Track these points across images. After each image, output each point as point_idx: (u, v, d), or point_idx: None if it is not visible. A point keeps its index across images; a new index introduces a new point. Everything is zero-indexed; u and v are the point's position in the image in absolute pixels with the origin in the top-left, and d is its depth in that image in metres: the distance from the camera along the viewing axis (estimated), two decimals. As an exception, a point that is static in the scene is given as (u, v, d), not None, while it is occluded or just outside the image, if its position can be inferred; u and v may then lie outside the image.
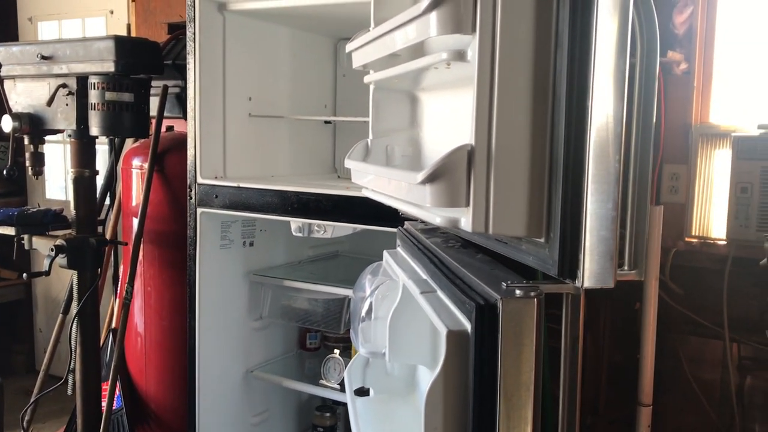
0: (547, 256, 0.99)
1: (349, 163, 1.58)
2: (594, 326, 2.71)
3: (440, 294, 1.22)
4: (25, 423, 2.89)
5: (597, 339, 2.73)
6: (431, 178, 1.03)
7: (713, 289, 2.46)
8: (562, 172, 0.96)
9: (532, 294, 0.98)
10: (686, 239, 2.52)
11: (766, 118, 2.36)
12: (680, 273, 2.53)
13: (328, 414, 2.69)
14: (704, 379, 2.57)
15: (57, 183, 4.55)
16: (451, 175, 1.01)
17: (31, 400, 2.97)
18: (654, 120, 1.05)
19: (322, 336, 2.78)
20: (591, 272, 0.95)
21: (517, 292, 0.99)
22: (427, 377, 1.34)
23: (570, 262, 0.96)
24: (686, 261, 2.53)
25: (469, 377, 1.02)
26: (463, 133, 1.05)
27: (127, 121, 2.46)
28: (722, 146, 2.44)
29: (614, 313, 2.69)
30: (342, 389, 2.38)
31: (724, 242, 2.43)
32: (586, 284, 0.95)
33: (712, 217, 2.49)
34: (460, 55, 1.04)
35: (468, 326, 1.03)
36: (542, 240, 1.02)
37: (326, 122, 2.91)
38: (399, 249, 1.74)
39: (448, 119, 1.45)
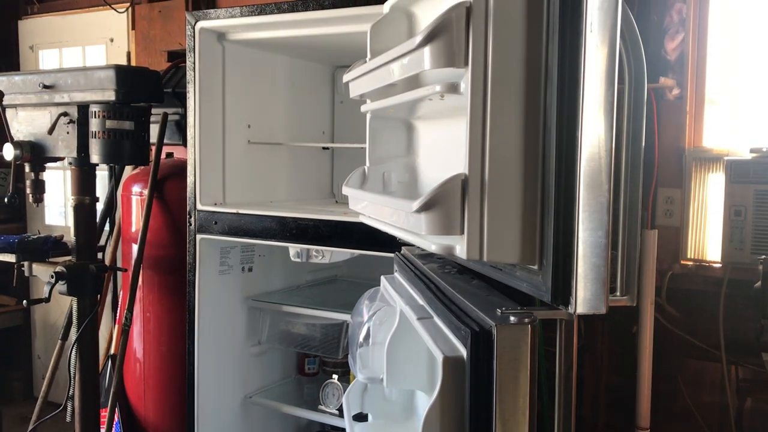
0: (541, 283, 1.01)
1: (346, 191, 1.60)
2: (592, 350, 2.72)
3: (437, 320, 1.24)
4: (23, 450, 2.88)
5: (595, 362, 2.73)
6: (426, 207, 1.05)
7: (709, 312, 2.48)
8: (554, 200, 0.98)
9: (527, 320, 1.00)
10: (682, 262, 2.54)
11: (758, 141, 2.40)
12: (676, 296, 2.55)
13: (326, 439, 2.69)
14: (703, 402, 2.57)
15: (57, 209, 4.57)
16: (445, 203, 1.04)
17: (30, 427, 2.96)
18: (643, 147, 1.08)
19: (321, 361, 2.78)
20: (583, 299, 0.97)
21: (512, 318, 1.00)
22: (424, 403, 1.35)
23: (563, 289, 0.98)
24: (682, 284, 2.55)
25: (465, 403, 1.03)
26: (458, 161, 1.07)
27: (128, 149, 2.48)
28: (716, 170, 2.47)
29: (612, 336, 2.70)
30: (340, 415, 2.38)
31: (719, 265, 2.45)
32: (579, 310, 0.97)
33: (707, 240, 2.51)
34: (453, 88, 1.07)
35: (464, 352, 1.05)
36: (536, 267, 1.04)
37: (324, 148, 2.94)
38: (396, 274, 1.76)
39: (444, 147, 1.47)
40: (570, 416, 1.04)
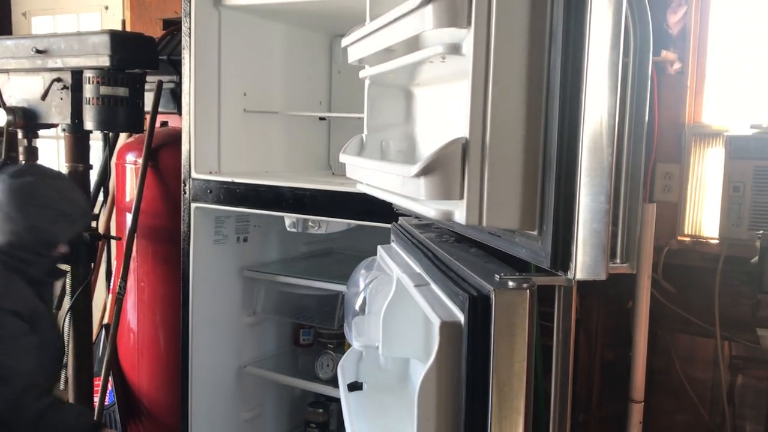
0: (540, 249, 1.00)
1: (344, 158, 1.58)
2: (587, 325, 2.72)
3: (434, 287, 1.23)
4: (16, 418, 2.88)
5: (590, 337, 2.74)
6: (426, 171, 1.04)
7: (705, 288, 2.47)
8: (555, 165, 0.97)
9: (525, 285, 0.99)
10: (679, 238, 2.54)
11: (759, 117, 2.38)
12: (673, 271, 2.54)
13: (321, 410, 2.70)
14: (696, 377, 2.58)
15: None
16: (445, 167, 1.02)
17: (23, 395, 2.96)
18: (646, 117, 1.06)
19: (316, 332, 2.78)
20: (583, 264, 0.96)
21: (510, 283, 1.00)
22: (419, 371, 1.34)
23: (562, 255, 0.97)
24: (679, 260, 2.54)
25: (461, 368, 1.03)
26: (457, 128, 1.05)
27: (122, 116, 2.46)
28: (715, 145, 2.45)
29: (607, 311, 2.70)
30: (335, 385, 2.38)
31: (716, 241, 2.45)
32: (579, 276, 0.96)
33: (705, 216, 2.50)
34: (455, 49, 1.04)
35: (461, 318, 1.04)
36: (535, 233, 1.02)
37: (321, 119, 2.91)
38: (393, 244, 1.75)
39: (443, 114, 1.45)
40: (567, 382, 1.04)
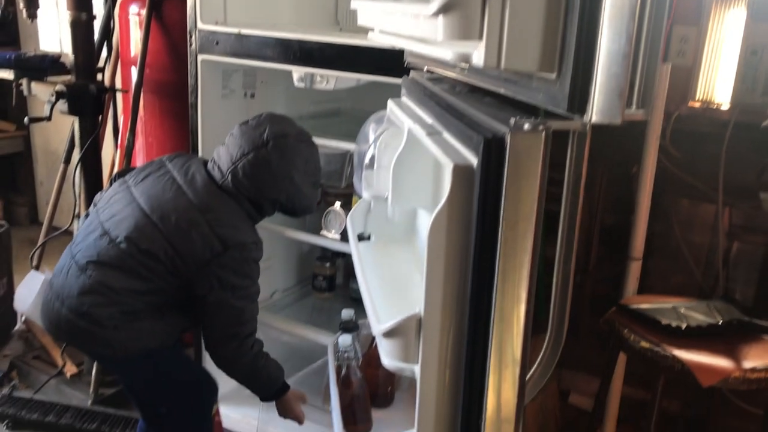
0: (558, 91, 0.99)
1: (355, 3, 1.54)
2: (589, 190, 2.75)
3: (446, 135, 1.24)
4: (33, 266, 2.99)
5: (591, 202, 2.77)
6: (444, 9, 1.01)
7: (712, 154, 2.48)
8: (578, 4, 0.94)
9: (540, 128, 0.99)
10: (690, 104, 2.51)
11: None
12: (680, 137, 2.53)
13: (327, 264, 2.79)
14: (693, 241, 2.64)
15: (51, 34, 4.42)
16: (464, 5, 0.99)
17: (38, 244, 3.05)
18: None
19: (323, 191, 2.81)
20: (600, 108, 0.96)
21: (526, 126, 1.00)
22: (427, 222, 1.38)
23: (580, 98, 0.96)
24: (688, 125, 2.52)
25: (472, 210, 1.05)
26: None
27: (123, -38, 2.36)
28: (737, 6, 2.37)
29: (611, 178, 2.72)
30: (342, 239, 2.45)
31: (727, 107, 2.43)
32: (595, 119, 0.96)
33: (718, 81, 2.46)
34: None
35: (474, 161, 1.05)
36: (554, 76, 1.01)
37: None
38: (404, 98, 1.74)
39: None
40: (575, 221, 1.07)
